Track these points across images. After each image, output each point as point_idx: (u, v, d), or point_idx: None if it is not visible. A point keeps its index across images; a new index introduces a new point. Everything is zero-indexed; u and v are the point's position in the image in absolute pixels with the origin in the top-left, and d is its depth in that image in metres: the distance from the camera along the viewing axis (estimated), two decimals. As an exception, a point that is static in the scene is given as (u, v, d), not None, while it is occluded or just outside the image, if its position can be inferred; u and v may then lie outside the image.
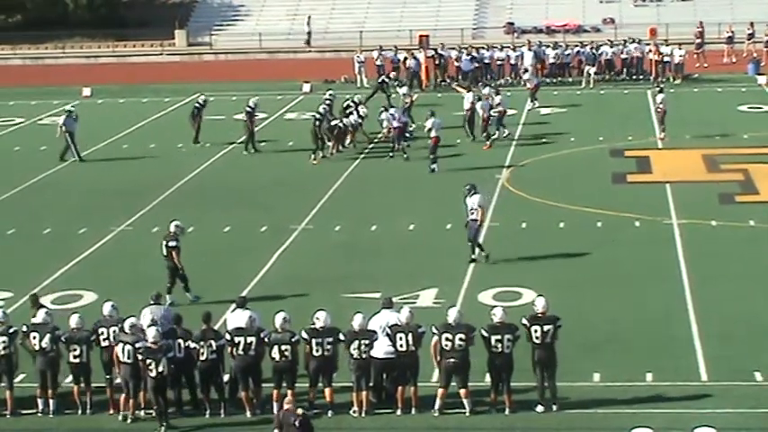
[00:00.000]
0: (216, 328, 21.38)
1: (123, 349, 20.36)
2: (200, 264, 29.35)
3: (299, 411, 17.84)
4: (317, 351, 20.41)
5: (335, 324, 20.75)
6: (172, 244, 26.73)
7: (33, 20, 75.31)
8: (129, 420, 20.50)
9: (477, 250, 28.66)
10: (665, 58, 54.65)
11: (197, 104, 44.47)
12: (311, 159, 40.16)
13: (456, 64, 55.99)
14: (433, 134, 38.36)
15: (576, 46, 56.97)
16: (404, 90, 46.28)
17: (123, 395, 20.62)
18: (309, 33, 69.11)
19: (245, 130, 42.46)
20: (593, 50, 55.21)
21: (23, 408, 20.98)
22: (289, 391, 19.85)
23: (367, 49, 59.54)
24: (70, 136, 41.94)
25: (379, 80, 51.70)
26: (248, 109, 42.31)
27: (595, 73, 54.09)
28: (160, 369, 20.04)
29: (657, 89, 44.31)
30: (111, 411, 20.81)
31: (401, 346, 20.36)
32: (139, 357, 20.16)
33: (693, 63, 57.75)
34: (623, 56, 55.43)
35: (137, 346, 20.24)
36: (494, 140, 41.59)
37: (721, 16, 65.90)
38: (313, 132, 40.66)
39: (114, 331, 20.85)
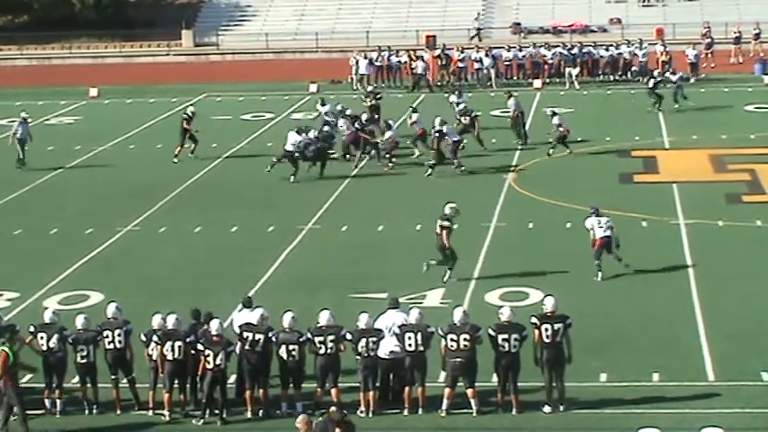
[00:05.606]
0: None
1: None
2: (206, 263, 29.47)
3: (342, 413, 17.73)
4: (321, 349, 20.46)
5: (341, 324, 20.74)
6: (445, 224, 26.95)
7: (40, 20, 75.34)
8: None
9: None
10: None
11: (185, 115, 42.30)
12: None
13: (460, 65, 56.18)
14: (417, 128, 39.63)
15: (557, 46, 57.00)
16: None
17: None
18: (479, 29, 68.20)
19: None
20: (570, 52, 55.38)
21: (30, 408, 20.94)
22: (333, 390, 20.27)
23: (371, 49, 59.41)
24: (20, 143, 41.23)
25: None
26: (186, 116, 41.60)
27: (578, 74, 54.54)
28: (218, 362, 20.10)
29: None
30: (119, 411, 20.84)
31: (410, 345, 20.39)
32: (199, 348, 20.22)
33: (701, 63, 57.70)
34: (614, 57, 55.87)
35: (188, 340, 20.37)
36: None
37: (727, 16, 65.89)
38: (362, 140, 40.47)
39: (119, 333, 20.83)
